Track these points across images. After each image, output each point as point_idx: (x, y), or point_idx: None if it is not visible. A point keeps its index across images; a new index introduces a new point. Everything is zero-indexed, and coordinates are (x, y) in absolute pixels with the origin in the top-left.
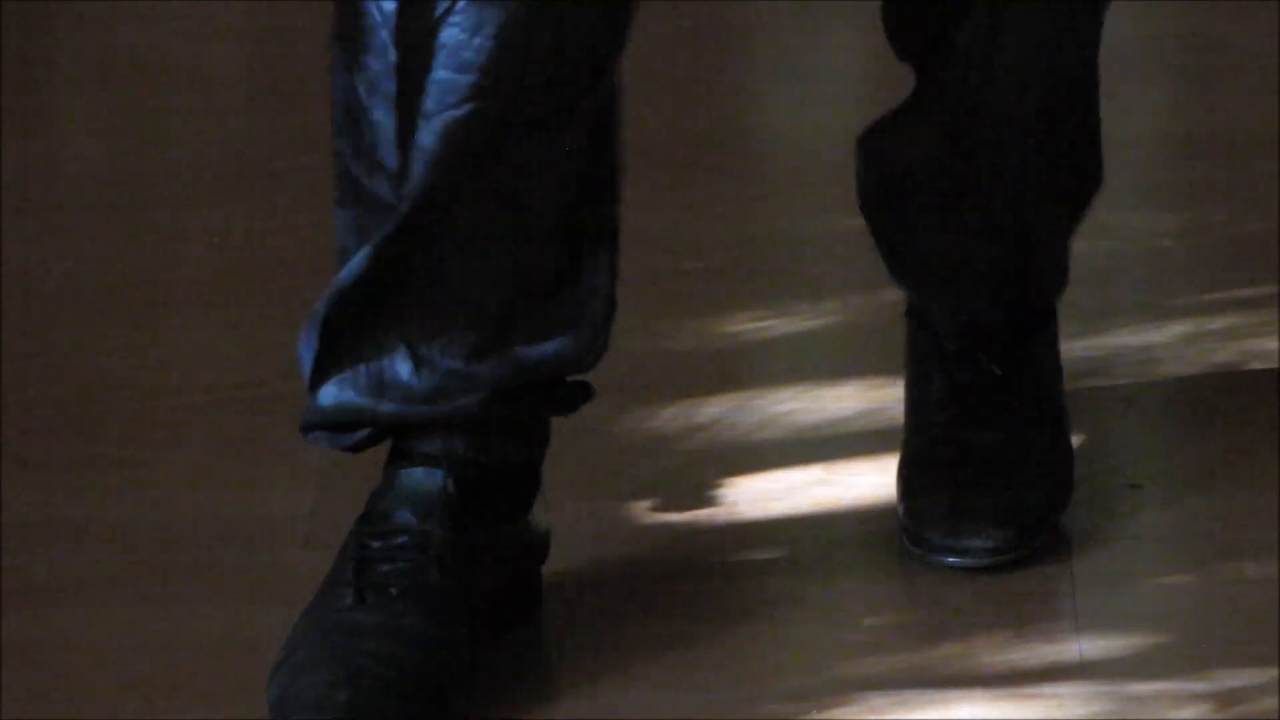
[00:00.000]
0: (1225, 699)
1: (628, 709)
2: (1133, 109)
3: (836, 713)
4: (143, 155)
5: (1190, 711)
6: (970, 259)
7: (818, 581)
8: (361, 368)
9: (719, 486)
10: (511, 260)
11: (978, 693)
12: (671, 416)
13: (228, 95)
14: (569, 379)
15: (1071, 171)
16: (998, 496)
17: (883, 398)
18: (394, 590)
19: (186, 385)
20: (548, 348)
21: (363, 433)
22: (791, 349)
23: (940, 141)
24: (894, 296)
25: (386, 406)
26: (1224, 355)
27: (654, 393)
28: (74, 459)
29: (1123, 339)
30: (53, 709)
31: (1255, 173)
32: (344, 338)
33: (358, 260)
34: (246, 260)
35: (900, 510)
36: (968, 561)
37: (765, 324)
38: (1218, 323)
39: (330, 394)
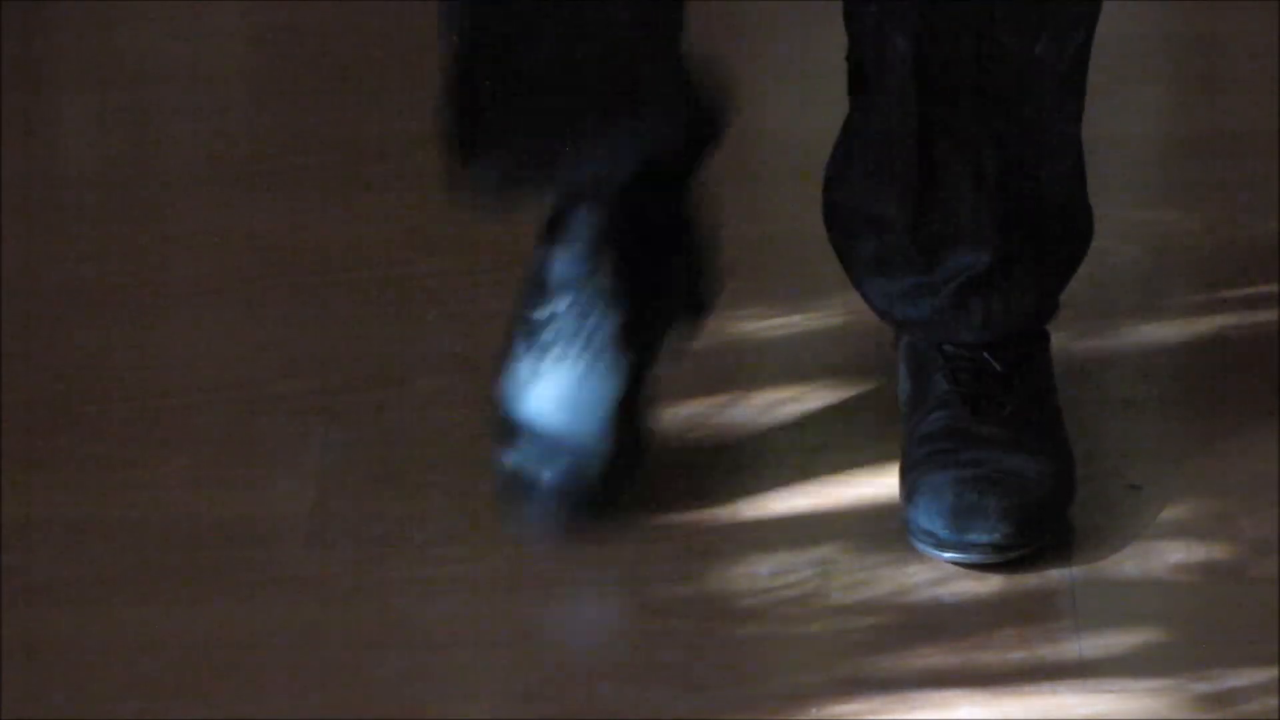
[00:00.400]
0: (1225, 699)
1: (628, 708)
2: (1133, 109)
3: (836, 713)
4: (143, 155)
5: (1190, 711)
6: (952, 291)
7: (818, 581)
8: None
9: (718, 485)
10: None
11: (978, 692)
12: (671, 416)
13: (228, 95)
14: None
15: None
16: (1002, 493)
17: (883, 397)
18: (576, 344)
19: (186, 385)
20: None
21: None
22: (791, 349)
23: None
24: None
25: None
26: (1224, 355)
27: (654, 392)
28: (74, 459)
29: (1123, 339)
30: (53, 709)
31: (1255, 173)
32: (484, 124)
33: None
34: (246, 260)
35: (904, 507)
36: (973, 558)
37: (765, 324)
38: (1218, 323)
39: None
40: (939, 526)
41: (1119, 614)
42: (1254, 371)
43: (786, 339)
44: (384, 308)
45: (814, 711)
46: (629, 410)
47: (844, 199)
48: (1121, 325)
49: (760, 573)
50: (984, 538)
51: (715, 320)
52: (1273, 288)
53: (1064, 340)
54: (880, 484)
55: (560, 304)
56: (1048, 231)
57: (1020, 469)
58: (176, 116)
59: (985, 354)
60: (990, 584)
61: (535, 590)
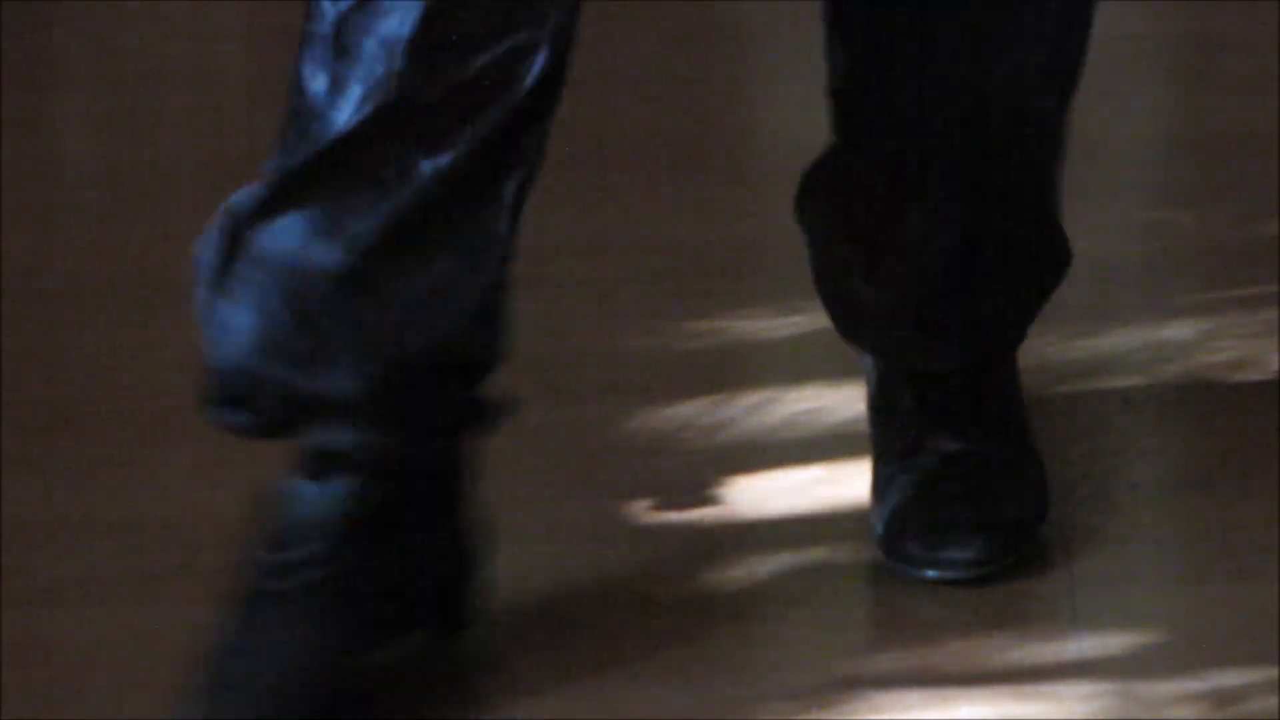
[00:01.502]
0: (1225, 699)
1: (628, 708)
2: (1133, 109)
3: (836, 712)
4: (143, 155)
5: (1190, 711)
6: (912, 325)
7: (818, 581)
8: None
9: (719, 486)
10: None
11: (978, 692)
12: (671, 416)
13: (228, 95)
14: (476, 390)
15: (1026, 236)
16: (976, 507)
17: None
18: (293, 599)
19: (186, 385)
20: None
21: (251, 413)
22: (791, 349)
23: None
24: None
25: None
26: (1224, 355)
27: (654, 393)
28: (74, 459)
29: (1123, 339)
30: (53, 709)
31: (1255, 173)
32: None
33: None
34: None
35: (876, 525)
36: (948, 574)
37: (765, 324)
38: (1218, 323)
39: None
40: (912, 544)
41: (1118, 614)
42: (1254, 371)
43: (785, 339)
44: None
45: (814, 711)
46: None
47: (815, 215)
48: (1121, 325)
49: (760, 573)
50: (957, 554)
51: (715, 320)
52: (1273, 288)
53: (1064, 340)
54: None
55: (301, 553)
56: (1018, 267)
57: (991, 484)
58: (176, 116)
59: (952, 379)
60: (990, 584)
61: (535, 590)
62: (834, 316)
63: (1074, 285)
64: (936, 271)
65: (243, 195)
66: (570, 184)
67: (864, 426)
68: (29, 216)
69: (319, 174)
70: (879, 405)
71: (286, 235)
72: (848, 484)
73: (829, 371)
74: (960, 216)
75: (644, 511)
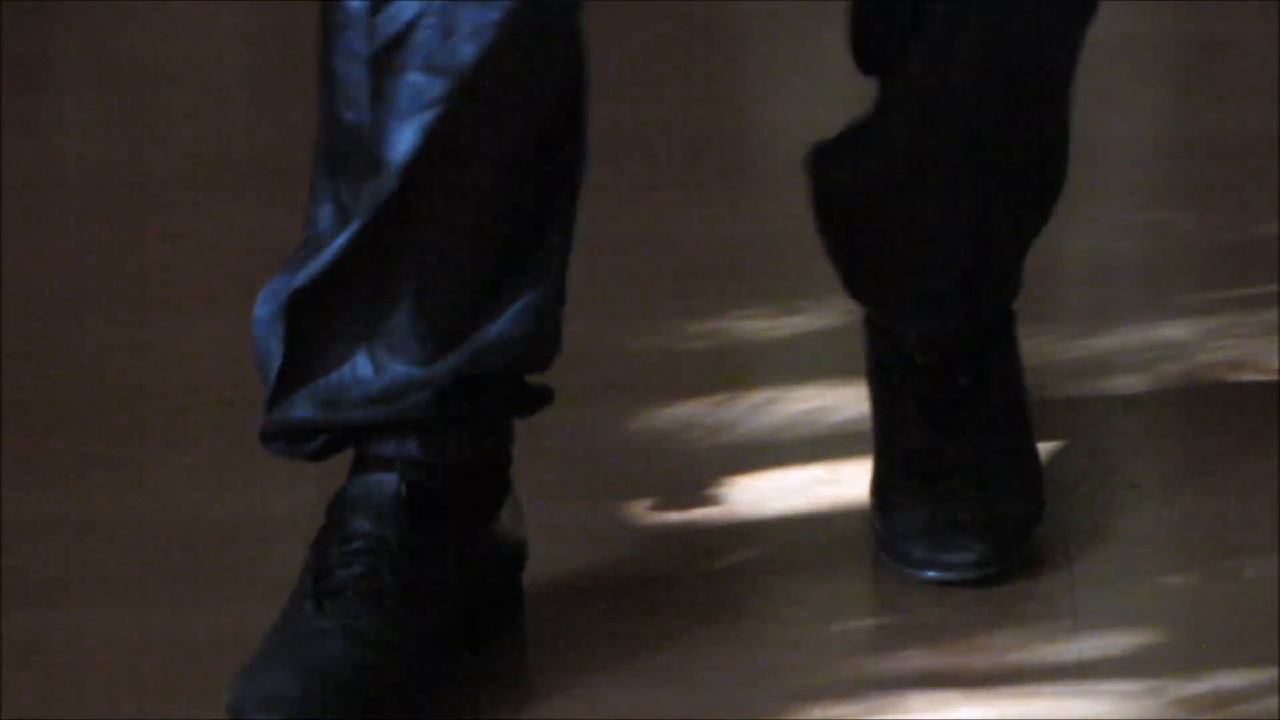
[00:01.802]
0: (1225, 699)
1: (627, 708)
2: (1133, 109)
3: (836, 712)
4: (143, 155)
5: (1190, 711)
6: (925, 276)
7: (818, 581)
8: (322, 380)
9: (719, 486)
10: (473, 252)
11: (978, 693)
12: (671, 416)
13: (228, 95)
14: (526, 380)
15: (1032, 185)
16: (977, 509)
17: None
18: (350, 594)
19: (186, 385)
20: (500, 333)
21: (319, 440)
22: (791, 349)
23: (895, 157)
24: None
25: (345, 414)
26: (1224, 355)
27: (654, 393)
28: (74, 459)
29: (1123, 339)
30: (53, 709)
31: (1255, 173)
32: (309, 344)
33: (325, 256)
34: (246, 260)
35: (877, 526)
36: (949, 576)
37: (765, 324)
38: (1218, 323)
39: (291, 406)
40: (913, 546)
41: (1118, 614)
42: (1254, 371)
43: (786, 339)
44: None
45: (814, 711)
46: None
47: (849, 179)
48: (1121, 325)
49: (760, 573)
50: (958, 556)
51: (715, 320)
52: (1273, 288)
53: (1064, 340)
54: None
55: (344, 549)
56: (1030, 185)
57: (990, 486)
58: (176, 116)
59: (954, 371)
60: (989, 585)
61: (534, 590)
62: (842, 269)
63: (1074, 285)
64: (945, 186)
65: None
66: None
67: (864, 426)
68: (29, 216)
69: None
70: (881, 405)
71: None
72: (848, 484)
73: (829, 371)
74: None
75: (644, 511)
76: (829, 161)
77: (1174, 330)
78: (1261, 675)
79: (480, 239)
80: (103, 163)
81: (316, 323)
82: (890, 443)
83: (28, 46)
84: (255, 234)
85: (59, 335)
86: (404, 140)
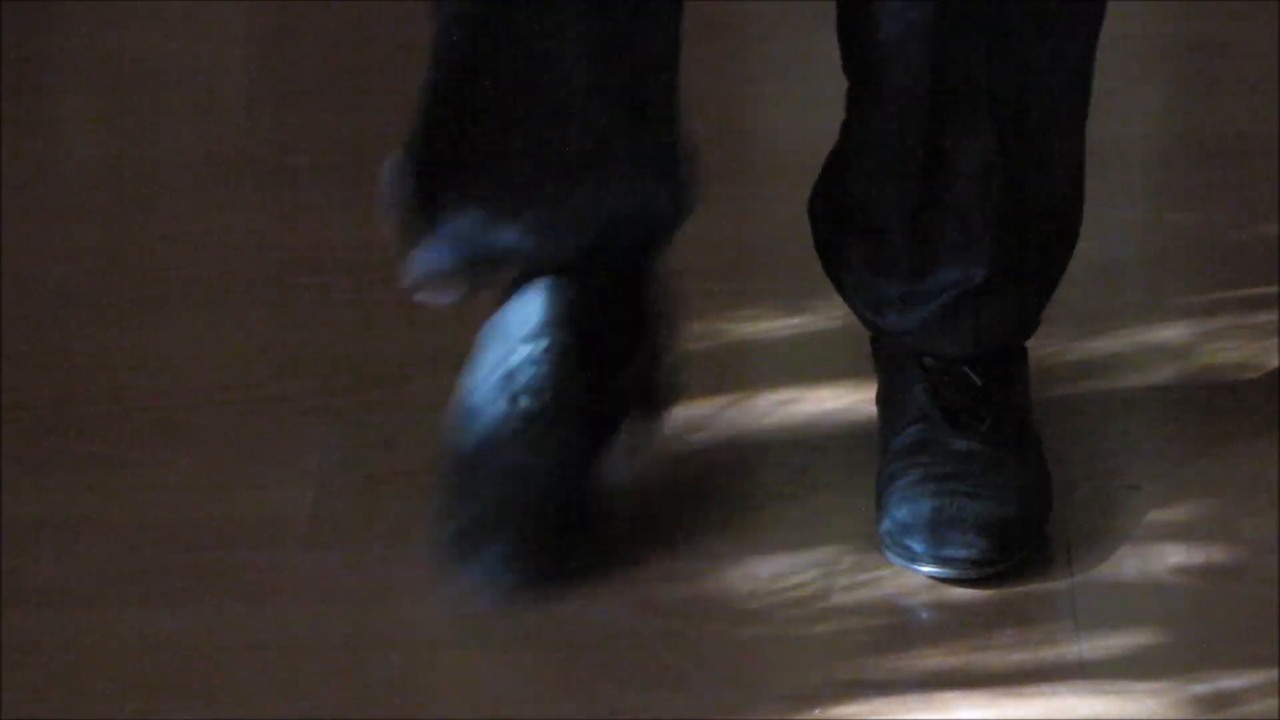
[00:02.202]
0: (1225, 699)
1: (628, 709)
2: (1133, 109)
3: (836, 713)
4: (143, 155)
5: (1190, 712)
6: (928, 318)
7: (817, 583)
8: (464, 221)
9: (719, 486)
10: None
11: (978, 694)
12: (672, 417)
13: (228, 95)
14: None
15: (1041, 205)
16: (980, 506)
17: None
18: (544, 395)
19: (186, 385)
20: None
21: (477, 273)
22: (791, 349)
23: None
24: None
25: (497, 246)
26: (1224, 355)
27: None
28: (74, 459)
29: (1123, 339)
30: (53, 709)
31: (1255, 173)
32: (441, 194)
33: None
34: (246, 260)
35: (880, 518)
36: (949, 572)
37: (765, 324)
38: (1218, 323)
39: (433, 253)
40: (916, 540)
41: (1119, 615)
42: (1254, 371)
43: (786, 340)
44: (384, 308)
45: (814, 712)
46: (583, 480)
47: (840, 197)
48: (1121, 325)
49: (760, 574)
50: (961, 553)
51: (715, 320)
52: (1273, 288)
53: (1064, 340)
54: None
55: (526, 352)
56: (1045, 243)
57: (997, 484)
58: (176, 116)
59: (965, 368)
60: (990, 585)
61: (534, 591)
62: (856, 300)
63: (1074, 286)
64: (970, 219)
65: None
66: None
67: (866, 427)
68: (29, 216)
69: None
70: (888, 400)
71: None
72: (848, 483)
73: (830, 372)
74: (995, 166)
75: (644, 512)
76: (821, 203)
77: (1174, 331)
78: (1262, 675)
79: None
80: (103, 163)
81: (445, 176)
82: (896, 435)
83: (28, 46)
84: (255, 234)
85: (59, 335)
86: None
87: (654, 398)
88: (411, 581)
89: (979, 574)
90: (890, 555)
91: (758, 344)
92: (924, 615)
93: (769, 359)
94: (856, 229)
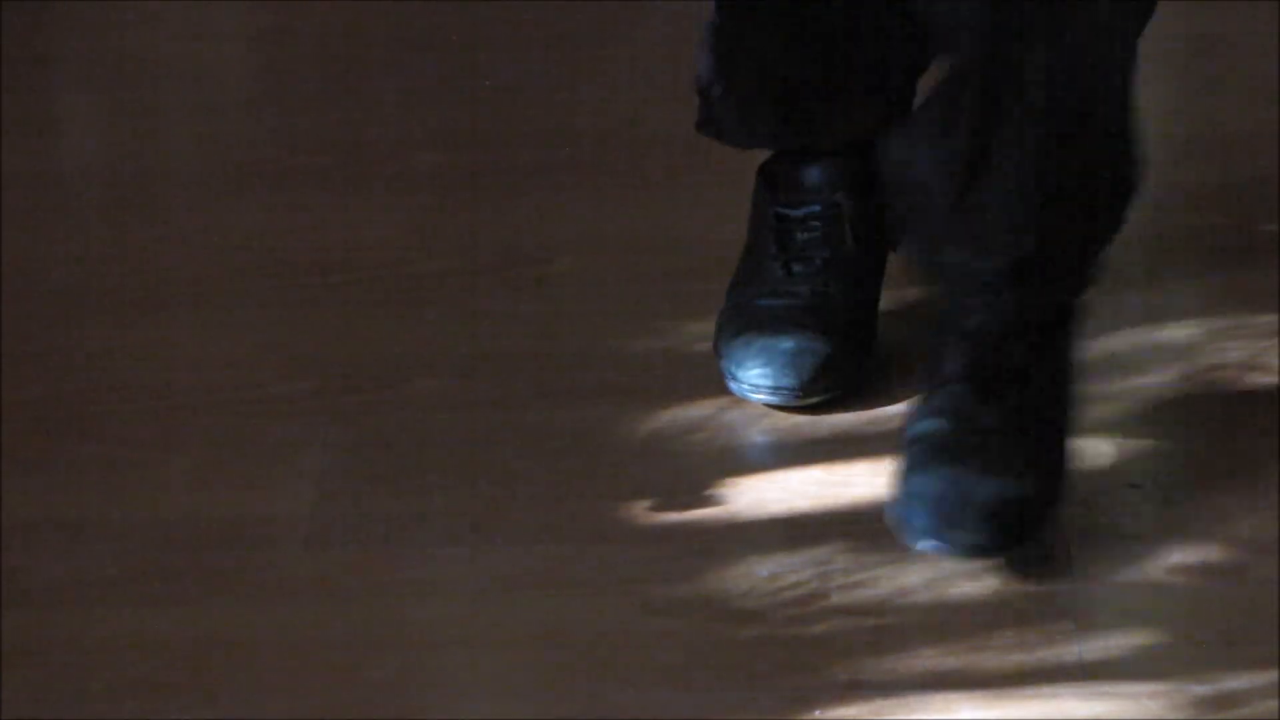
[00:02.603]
0: (1225, 700)
1: (628, 709)
2: None
3: (836, 713)
4: (143, 155)
5: (1190, 712)
6: (981, 261)
7: (817, 582)
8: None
9: (719, 486)
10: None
11: (978, 694)
12: (672, 418)
13: (228, 95)
14: None
15: (1099, 186)
16: (993, 488)
17: (882, 399)
18: (817, 260)
19: (186, 385)
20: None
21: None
22: None
23: (959, 142)
24: (893, 299)
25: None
26: (1224, 356)
27: (654, 393)
28: (74, 459)
29: (1123, 339)
30: (53, 709)
31: (1255, 173)
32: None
33: None
34: (246, 260)
35: (894, 485)
36: (946, 550)
37: None
38: (1218, 324)
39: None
40: (921, 514)
41: (1119, 615)
42: (1254, 371)
43: None
44: (384, 308)
45: (814, 712)
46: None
47: (899, 157)
48: (1122, 325)
49: (760, 573)
50: (964, 536)
51: (714, 321)
52: (1273, 288)
53: None
54: (879, 485)
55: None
56: (1091, 211)
57: (1013, 467)
58: (176, 116)
59: (1003, 339)
60: (990, 585)
61: (535, 591)
62: (914, 246)
63: None
64: (1023, 184)
65: None
66: (570, 184)
67: (866, 428)
68: (29, 216)
69: None
70: (929, 361)
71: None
72: (848, 484)
73: None
74: (1042, 132)
75: (644, 511)
76: (897, 142)
77: (1174, 331)
78: (1261, 677)
79: None
80: (103, 163)
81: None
82: (923, 403)
83: (28, 46)
84: (255, 234)
85: (59, 335)
86: None
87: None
88: (411, 581)
89: (979, 555)
90: (891, 524)
91: None
92: (924, 615)
93: None
94: (912, 185)
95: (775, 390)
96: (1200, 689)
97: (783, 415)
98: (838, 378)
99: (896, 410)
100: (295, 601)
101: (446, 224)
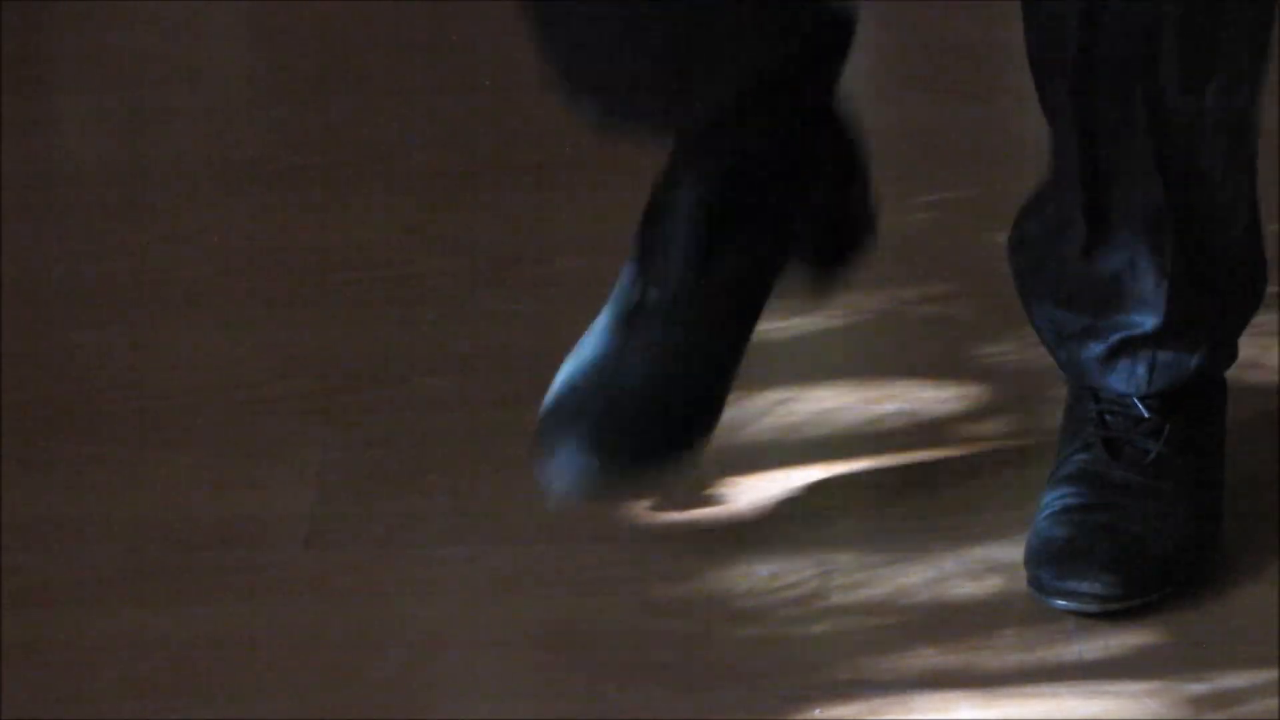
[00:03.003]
0: (1225, 699)
1: (628, 709)
2: None
3: (836, 713)
4: (143, 155)
5: (1190, 712)
6: (1101, 355)
7: (817, 582)
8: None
9: (719, 486)
10: None
11: (978, 694)
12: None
13: (228, 95)
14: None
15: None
16: (1117, 541)
17: (882, 398)
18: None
19: (186, 385)
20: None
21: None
22: (792, 349)
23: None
24: (893, 299)
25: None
26: None
27: None
28: (74, 459)
29: None
30: (53, 709)
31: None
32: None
33: None
34: (246, 260)
35: (1030, 539)
36: (1073, 605)
37: (765, 324)
38: None
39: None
40: (1045, 571)
41: (1119, 615)
42: (1254, 371)
43: (788, 340)
44: (384, 308)
45: (815, 712)
46: (688, 378)
47: (1032, 230)
48: None
49: (760, 573)
50: (1084, 587)
51: None
52: (1273, 288)
53: None
54: (879, 484)
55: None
56: (1224, 295)
57: (1146, 518)
58: (176, 116)
59: (1134, 399)
60: (990, 586)
61: (535, 590)
62: (1044, 329)
63: None
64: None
65: None
66: (570, 184)
67: (868, 428)
68: (29, 216)
69: None
70: (1065, 425)
71: None
72: (848, 485)
73: (832, 373)
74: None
75: (644, 511)
76: (1016, 232)
77: None
78: (1261, 677)
79: None
80: (103, 163)
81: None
82: (1059, 466)
83: (28, 46)
84: (255, 234)
85: (59, 335)
86: None
87: (852, 230)
88: (411, 581)
89: (1103, 609)
90: (1027, 584)
91: (758, 343)
92: (924, 615)
93: (773, 359)
94: (1047, 255)
95: None
96: (1200, 688)
97: (783, 414)
98: None
99: (895, 408)
100: (295, 601)
101: (446, 224)
